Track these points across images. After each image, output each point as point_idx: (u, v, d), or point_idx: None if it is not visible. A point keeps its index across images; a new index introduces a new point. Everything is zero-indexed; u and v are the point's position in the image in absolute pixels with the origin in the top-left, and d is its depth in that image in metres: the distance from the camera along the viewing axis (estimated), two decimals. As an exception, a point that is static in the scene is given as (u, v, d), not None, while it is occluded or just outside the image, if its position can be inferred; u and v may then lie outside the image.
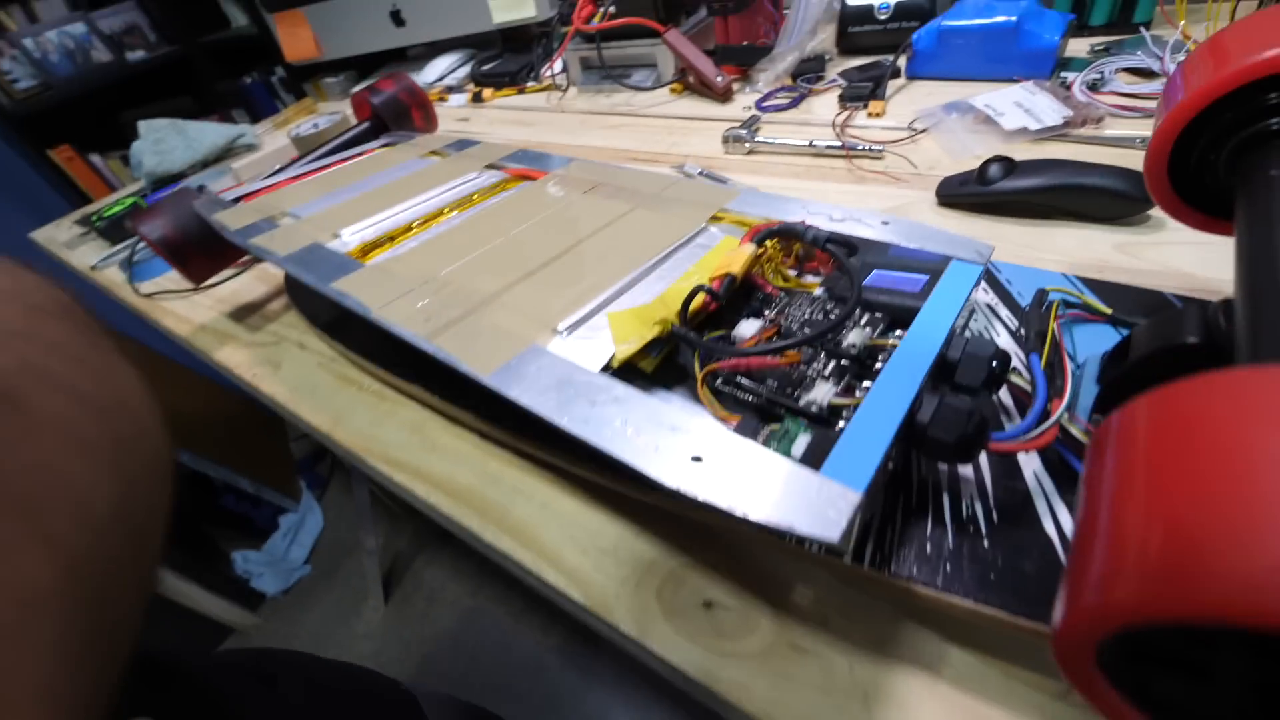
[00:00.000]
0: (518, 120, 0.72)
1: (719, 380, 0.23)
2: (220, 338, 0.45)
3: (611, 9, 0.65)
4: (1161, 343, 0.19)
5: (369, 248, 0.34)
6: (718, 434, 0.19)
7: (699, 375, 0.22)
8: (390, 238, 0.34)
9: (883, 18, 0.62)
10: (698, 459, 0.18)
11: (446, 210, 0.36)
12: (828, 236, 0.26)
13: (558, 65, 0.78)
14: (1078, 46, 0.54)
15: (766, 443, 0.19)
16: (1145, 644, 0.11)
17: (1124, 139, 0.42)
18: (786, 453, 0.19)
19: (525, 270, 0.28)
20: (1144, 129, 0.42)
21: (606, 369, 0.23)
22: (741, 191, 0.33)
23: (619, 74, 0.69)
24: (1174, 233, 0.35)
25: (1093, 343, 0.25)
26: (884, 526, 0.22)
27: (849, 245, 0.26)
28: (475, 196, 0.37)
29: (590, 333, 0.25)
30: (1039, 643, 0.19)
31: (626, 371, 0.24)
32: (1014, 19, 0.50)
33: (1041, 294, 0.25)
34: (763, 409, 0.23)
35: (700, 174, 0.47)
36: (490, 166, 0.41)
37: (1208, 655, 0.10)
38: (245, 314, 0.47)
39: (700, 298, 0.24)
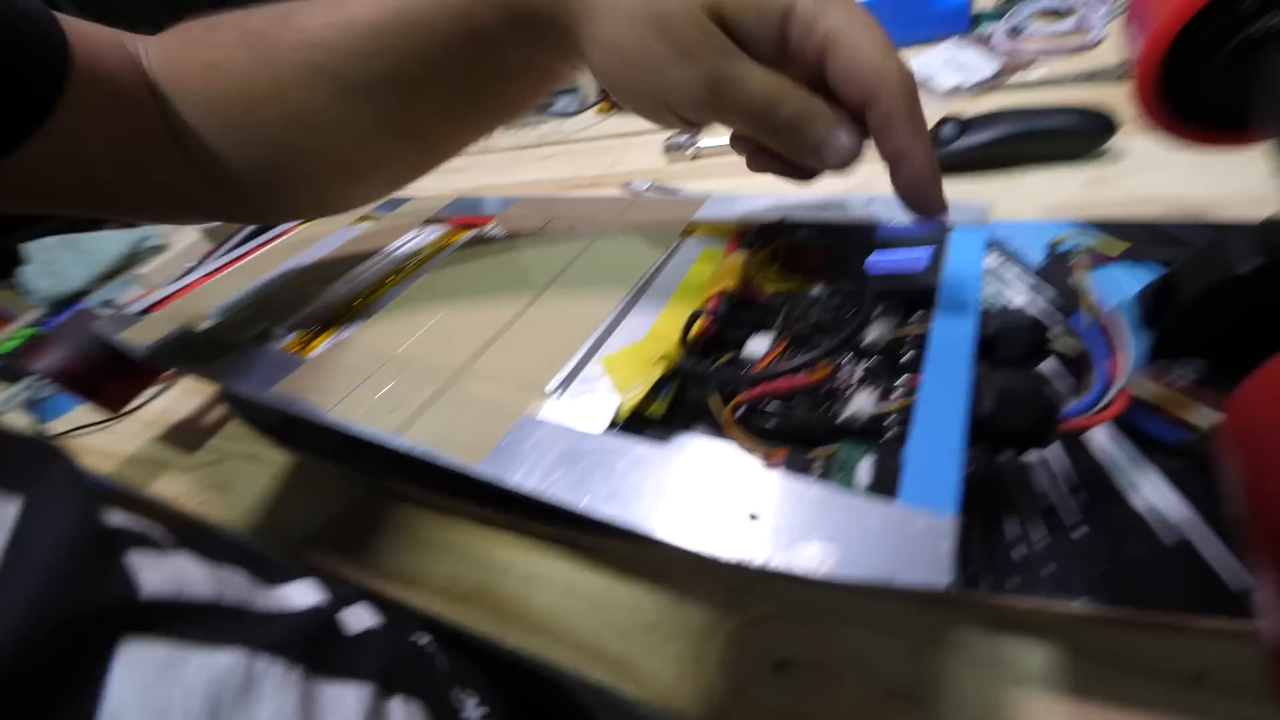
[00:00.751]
0: (445, 169, 0.69)
1: (740, 412, 0.20)
2: (154, 467, 0.39)
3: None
4: (1217, 274, 0.17)
5: (308, 337, 0.30)
6: (769, 480, 0.16)
7: (725, 411, 0.19)
8: (330, 321, 0.30)
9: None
10: (755, 516, 0.15)
11: (389, 280, 0.32)
12: (819, 228, 0.24)
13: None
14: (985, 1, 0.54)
15: (826, 477, 0.17)
16: None
17: (1059, 78, 0.42)
18: (850, 484, 0.16)
19: (494, 330, 0.25)
20: (1075, 66, 0.43)
21: (614, 425, 0.20)
22: (707, 198, 0.31)
23: (541, 104, 0.66)
24: (1137, 159, 0.35)
25: (1116, 287, 0.23)
26: (965, 534, 0.19)
27: (841, 233, 0.24)
28: (419, 257, 0.34)
29: (585, 386, 0.22)
30: (1159, 633, 0.17)
31: (636, 422, 0.21)
32: (920, -17, 0.50)
33: (1054, 245, 0.23)
34: (796, 434, 0.20)
35: (650, 188, 0.45)
36: (429, 222, 0.37)
37: None
38: (181, 434, 0.41)
39: (700, 322, 0.22)
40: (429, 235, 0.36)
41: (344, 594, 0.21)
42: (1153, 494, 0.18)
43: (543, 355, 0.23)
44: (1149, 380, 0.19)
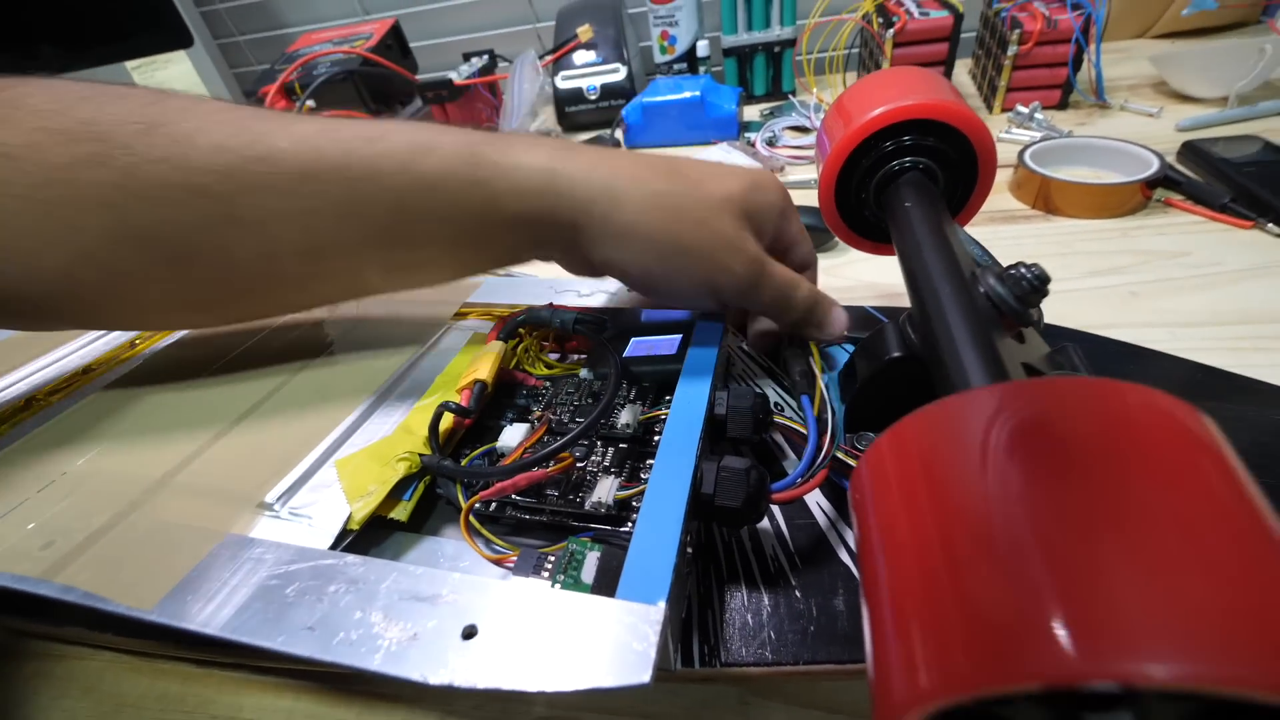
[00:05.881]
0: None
1: (491, 507, 0.20)
2: None
3: (310, 103, 0.59)
4: (875, 361, 0.21)
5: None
6: (491, 589, 0.15)
7: (463, 510, 0.19)
8: (-6, 427, 0.24)
9: (593, 98, 0.67)
10: (471, 632, 0.14)
11: (83, 373, 0.27)
12: (575, 316, 0.24)
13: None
14: (752, 112, 0.64)
15: (554, 576, 0.16)
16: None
17: (803, 182, 0.50)
18: (576, 582, 0.16)
19: (213, 433, 0.21)
20: (813, 173, 0.51)
21: (344, 537, 0.18)
22: (484, 281, 0.31)
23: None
24: (858, 253, 0.42)
25: (836, 365, 0.27)
26: (704, 611, 0.20)
27: (598, 321, 0.25)
28: (136, 342, 0.29)
29: (314, 495, 0.19)
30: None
31: (382, 527, 0.20)
32: (697, 94, 0.58)
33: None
34: (550, 525, 0.20)
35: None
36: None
37: (1011, 712, 0.10)
38: None
39: (449, 417, 0.21)
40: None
41: None
42: (852, 541, 0.21)
43: (267, 461, 0.20)
44: (846, 450, 0.22)
